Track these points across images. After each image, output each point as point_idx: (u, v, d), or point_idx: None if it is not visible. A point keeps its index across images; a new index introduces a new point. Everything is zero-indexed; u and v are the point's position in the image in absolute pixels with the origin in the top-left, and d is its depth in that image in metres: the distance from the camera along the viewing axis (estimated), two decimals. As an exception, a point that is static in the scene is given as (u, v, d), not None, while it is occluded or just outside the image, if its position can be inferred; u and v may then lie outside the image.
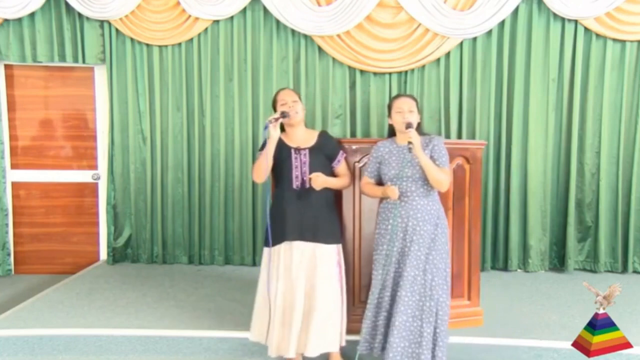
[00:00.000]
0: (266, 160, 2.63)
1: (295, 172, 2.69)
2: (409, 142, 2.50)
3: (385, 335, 2.59)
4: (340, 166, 2.83)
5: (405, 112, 2.64)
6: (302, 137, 2.77)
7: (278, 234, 2.68)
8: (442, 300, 2.56)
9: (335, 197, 2.89)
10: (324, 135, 2.83)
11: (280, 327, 2.64)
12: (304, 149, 2.72)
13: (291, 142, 2.75)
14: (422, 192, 2.61)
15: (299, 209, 2.67)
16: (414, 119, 2.64)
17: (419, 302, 2.53)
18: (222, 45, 4.48)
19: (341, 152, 2.84)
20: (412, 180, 2.60)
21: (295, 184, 2.68)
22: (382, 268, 2.62)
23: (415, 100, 2.74)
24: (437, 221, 2.62)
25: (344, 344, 2.76)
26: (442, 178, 2.56)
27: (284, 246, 2.68)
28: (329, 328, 2.64)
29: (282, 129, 2.80)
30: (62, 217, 4.74)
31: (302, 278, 2.63)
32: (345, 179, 2.84)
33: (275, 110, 2.78)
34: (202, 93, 4.55)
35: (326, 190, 2.73)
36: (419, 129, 2.69)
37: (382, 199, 2.76)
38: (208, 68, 4.49)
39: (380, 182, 2.75)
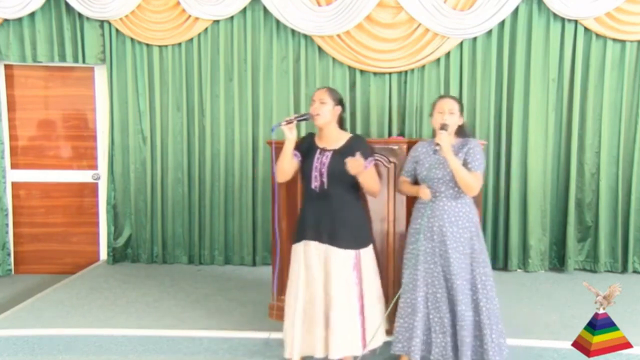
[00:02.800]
0: (282, 161, 2.66)
1: (315, 173, 2.66)
2: (437, 144, 2.51)
3: (428, 337, 2.63)
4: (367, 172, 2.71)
5: (445, 113, 2.64)
6: (332, 139, 2.72)
7: (299, 232, 2.71)
8: (489, 302, 2.61)
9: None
10: (355, 139, 2.73)
11: (300, 328, 2.62)
12: (329, 150, 2.68)
13: (320, 142, 2.73)
14: (451, 194, 2.61)
15: (317, 210, 2.65)
16: (453, 121, 2.64)
17: (474, 315, 2.59)
18: (222, 45, 4.48)
19: (370, 158, 2.70)
20: (443, 182, 2.60)
21: (314, 184, 2.66)
22: (413, 267, 2.64)
23: (460, 102, 2.73)
24: (467, 224, 2.61)
25: (373, 346, 2.70)
26: (471, 182, 2.55)
27: (303, 245, 2.68)
28: (348, 331, 2.60)
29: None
30: (62, 217, 4.74)
31: (320, 280, 2.61)
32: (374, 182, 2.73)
33: None
34: (202, 93, 4.55)
35: (349, 193, 2.67)
36: (462, 131, 2.71)
37: (416, 199, 2.75)
38: (208, 68, 4.49)
39: (416, 182, 2.75)
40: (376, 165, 2.79)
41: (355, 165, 2.48)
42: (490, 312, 2.59)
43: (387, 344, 2.77)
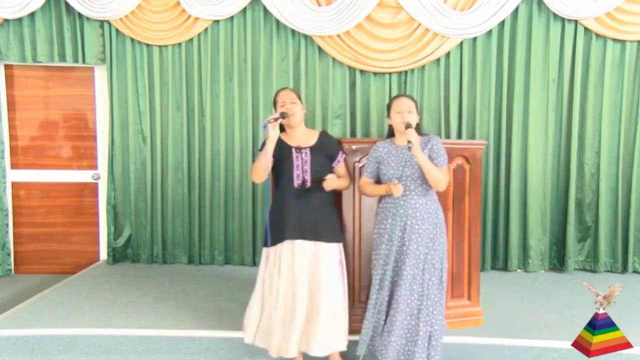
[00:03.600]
0: (266, 160, 2.67)
1: (297, 171, 2.71)
2: (408, 142, 2.52)
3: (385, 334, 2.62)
4: (340, 166, 2.85)
5: (405, 112, 2.66)
6: (303, 137, 2.79)
7: (279, 233, 2.70)
8: (437, 300, 2.59)
9: (334, 197, 2.90)
10: (324, 135, 2.86)
11: (281, 327, 2.65)
12: (305, 148, 2.74)
13: (291, 141, 2.78)
14: (420, 192, 2.63)
15: (300, 208, 2.69)
16: (413, 119, 2.66)
17: (417, 301, 2.58)
18: (222, 45, 4.48)
19: (341, 152, 2.86)
20: (412, 179, 2.62)
21: (297, 182, 2.70)
22: (381, 268, 2.64)
23: (414, 100, 2.76)
24: (436, 221, 2.65)
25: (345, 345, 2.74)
26: (440, 178, 2.58)
27: (285, 245, 2.69)
28: (334, 328, 2.64)
29: (282, 129, 2.83)
30: (62, 217, 4.74)
31: (305, 277, 2.64)
32: (345, 180, 2.86)
33: (276, 110, 2.80)
34: (202, 93, 4.55)
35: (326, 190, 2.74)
36: (418, 129, 2.72)
37: (380, 199, 2.77)
38: (208, 68, 4.49)
39: (378, 182, 2.76)
40: (344, 160, 2.89)
41: (331, 184, 2.68)
42: (432, 306, 2.58)
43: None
